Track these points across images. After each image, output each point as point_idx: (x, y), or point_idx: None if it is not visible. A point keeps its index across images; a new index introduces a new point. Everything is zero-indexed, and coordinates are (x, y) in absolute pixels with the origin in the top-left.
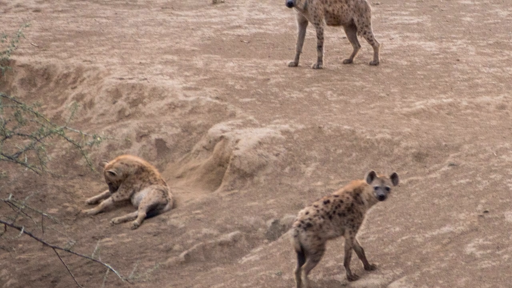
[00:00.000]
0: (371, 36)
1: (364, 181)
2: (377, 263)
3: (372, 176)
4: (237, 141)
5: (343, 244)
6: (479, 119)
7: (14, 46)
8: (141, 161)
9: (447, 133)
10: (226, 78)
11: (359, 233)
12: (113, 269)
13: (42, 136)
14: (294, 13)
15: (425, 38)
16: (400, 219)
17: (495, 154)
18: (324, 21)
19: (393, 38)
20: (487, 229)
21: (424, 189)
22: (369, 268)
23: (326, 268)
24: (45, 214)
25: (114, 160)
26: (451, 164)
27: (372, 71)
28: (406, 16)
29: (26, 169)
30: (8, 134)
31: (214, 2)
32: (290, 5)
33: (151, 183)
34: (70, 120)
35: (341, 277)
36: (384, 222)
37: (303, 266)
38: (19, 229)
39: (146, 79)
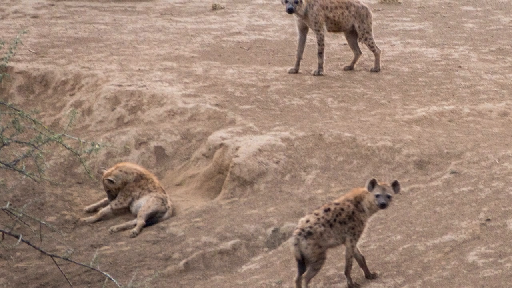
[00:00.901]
0: (372, 43)
1: (365, 189)
2: (378, 272)
3: (373, 184)
4: (237, 149)
5: (343, 253)
6: (481, 126)
7: (12, 52)
8: (140, 168)
9: (449, 141)
10: (225, 85)
11: (360, 242)
12: (112, 278)
13: (40, 143)
14: (294, 19)
15: (426, 44)
16: (401, 227)
17: (497, 162)
18: (324, 27)
19: (394, 45)
20: (489, 238)
21: (425, 197)
22: (370, 276)
23: (327, 276)
24: (43, 222)
25: (112, 168)
26: (453, 172)
27: (373, 78)
28: (407, 22)
29: (24, 176)
30: (6, 142)
31: (214, 8)
32: (290, 11)
33: (150, 191)
34: (69, 128)
35: (342, 286)
36: (385, 230)
37: (304, 274)
38: (17, 237)
39: (145, 86)
